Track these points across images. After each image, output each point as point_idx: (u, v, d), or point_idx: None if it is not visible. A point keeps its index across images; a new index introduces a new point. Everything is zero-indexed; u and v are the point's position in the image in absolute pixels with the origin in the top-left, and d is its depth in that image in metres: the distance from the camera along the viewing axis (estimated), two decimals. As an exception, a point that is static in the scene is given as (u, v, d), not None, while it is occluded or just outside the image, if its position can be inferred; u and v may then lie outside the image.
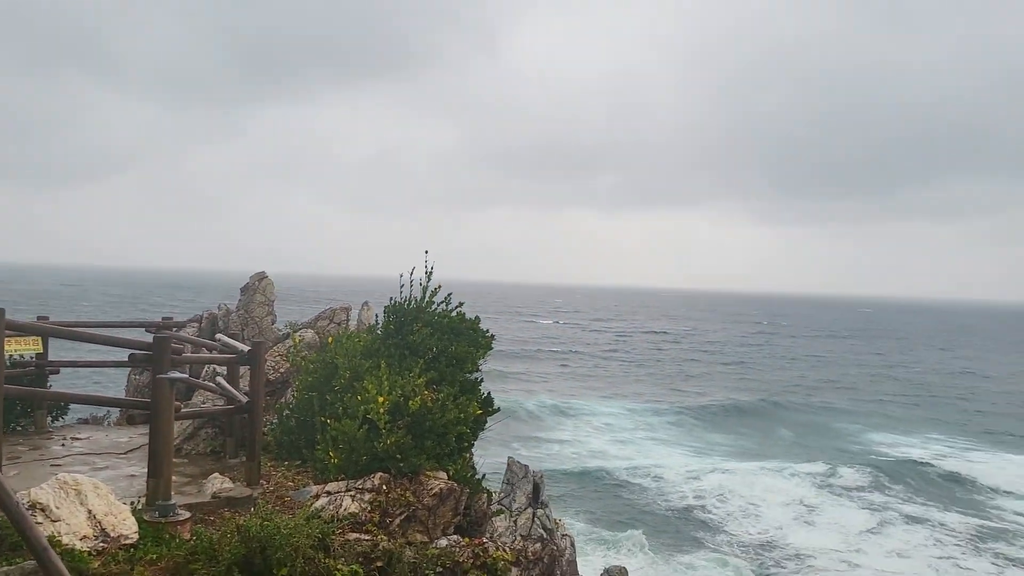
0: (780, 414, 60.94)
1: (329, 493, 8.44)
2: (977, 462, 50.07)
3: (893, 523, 35.05)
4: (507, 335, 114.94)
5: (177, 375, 8.10)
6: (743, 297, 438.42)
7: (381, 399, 8.62)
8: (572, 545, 23.02)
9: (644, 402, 64.36)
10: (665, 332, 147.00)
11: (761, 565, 29.77)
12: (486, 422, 10.40)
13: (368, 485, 8.52)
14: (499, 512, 10.67)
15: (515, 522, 19.76)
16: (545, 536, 19.34)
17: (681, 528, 32.43)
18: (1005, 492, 39.87)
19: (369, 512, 8.36)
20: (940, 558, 31.21)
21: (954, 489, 39.30)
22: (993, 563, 31.22)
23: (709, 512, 34.65)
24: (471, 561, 7.83)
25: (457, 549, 8.00)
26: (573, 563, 23.09)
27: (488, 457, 31.78)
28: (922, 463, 48.97)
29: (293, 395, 10.67)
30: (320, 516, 7.72)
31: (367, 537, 7.97)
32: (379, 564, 7.59)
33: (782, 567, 29.57)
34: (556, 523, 22.01)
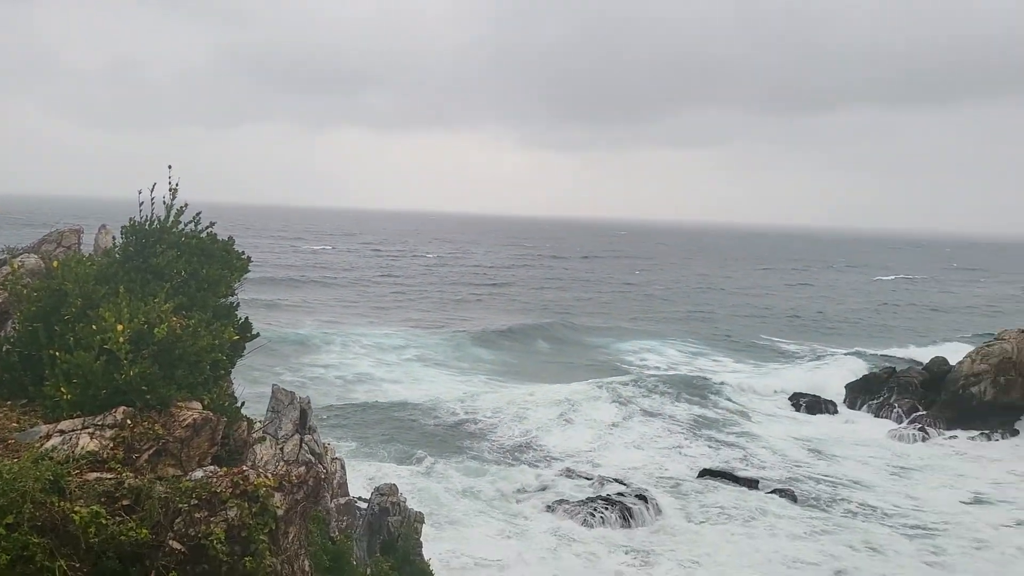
0: (544, 332, 64.62)
1: (62, 432, 7.66)
2: (707, 364, 56.87)
3: (634, 417, 39.04)
4: (273, 261, 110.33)
5: None
6: (512, 221, 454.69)
7: (120, 327, 7.89)
8: (342, 468, 23.11)
9: (413, 326, 65.27)
10: (435, 256, 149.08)
11: (515, 461, 31.94)
12: (244, 348, 9.94)
13: (109, 421, 7.83)
14: (261, 440, 10.36)
15: (282, 449, 19.37)
16: (312, 460, 19.13)
17: (448, 440, 33.76)
18: (723, 386, 45.67)
19: (112, 449, 7.70)
20: (668, 448, 35.44)
21: (685, 387, 44.30)
22: (708, 446, 36.12)
23: (475, 424, 36.34)
24: (230, 491, 7.50)
25: (215, 479, 7.62)
26: (344, 485, 23.24)
27: (253, 385, 30.65)
28: (664, 368, 54.65)
29: (14, 327, 9.47)
30: (52, 457, 7.00)
31: (110, 476, 7.34)
32: (125, 503, 7.04)
33: (535, 465, 31.95)
34: (325, 447, 21.90)
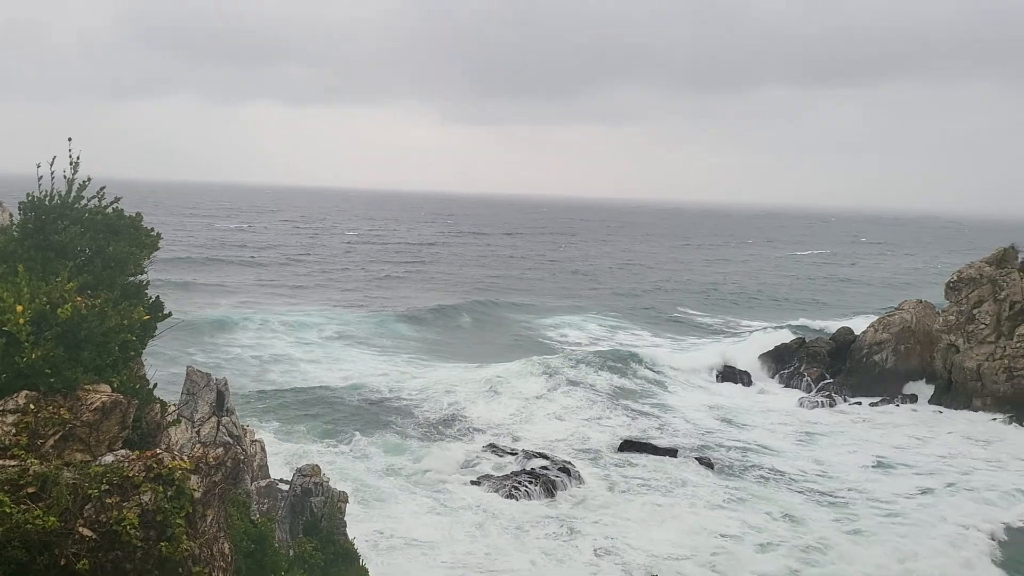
0: (467, 309, 64.61)
1: (-41, 420, 7.25)
2: (627, 337, 58.03)
3: (557, 390, 39.60)
4: (186, 240, 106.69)
5: None
6: (435, 197, 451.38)
7: (20, 308, 7.50)
8: (263, 450, 22.70)
9: (334, 305, 64.30)
10: (356, 233, 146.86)
11: (440, 438, 32.01)
12: (156, 328, 9.58)
13: (11, 406, 7.46)
14: (176, 422, 10.04)
15: (198, 432, 18.86)
16: (231, 442, 18.69)
17: (371, 419, 33.50)
18: (642, 359, 46.70)
19: (15, 435, 7.35)
20: (590, 419, 36.12)
21: (605, 361, 45.08)
22: (629, 417, 37.02)
23: (399, 402, 36.17)
24: (144, 474, 7.27)
25: (126, 464, 7.37)
26: (265, 467, 22.82)
27: (166, 367, 29.66)
28: (585, 342, 55.50)
29: (-98, 311, 8.89)
30: (-53, 447, 6.64)
31: (13, 463, 7.02)
32: (31, 490, 6.74)
33: (460, 440, 32.12)
34: (244, 429, 21.46)
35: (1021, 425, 37.51)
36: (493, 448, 30.86)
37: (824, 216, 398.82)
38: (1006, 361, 39.74)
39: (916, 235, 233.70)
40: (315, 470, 18.99)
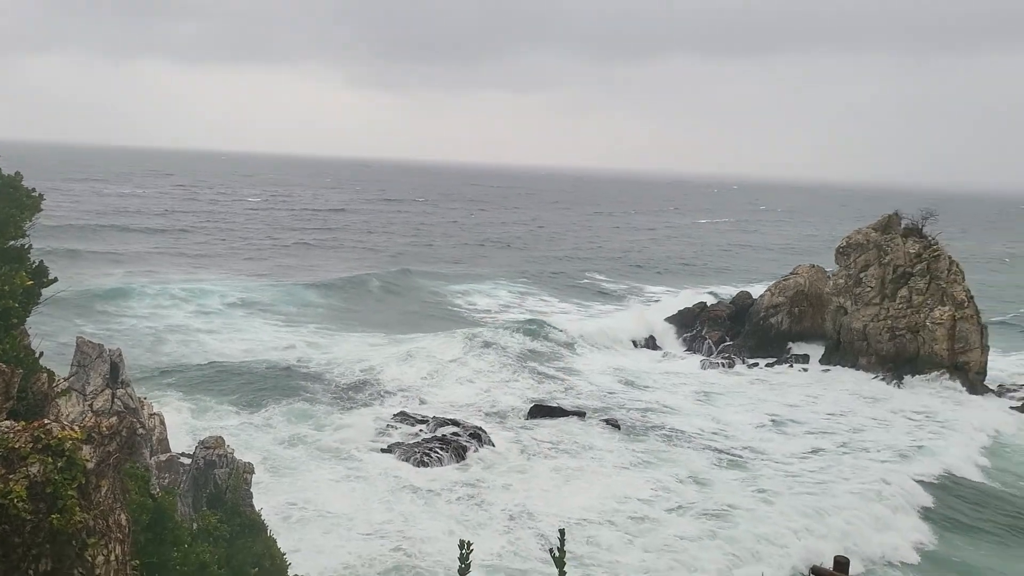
0: (376, 277, 63.72)
1: None
2: (536, 303, 58.64)
3: (469, 355, 39.75)
4: (73, 206, 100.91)
5: None
6: (340, 163, 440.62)
7: None
8: (162, 423, 21.91)
9: (236, 274, 62.32)
10: (259, 200, 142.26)
11: (351, 405, 31.69)
12: (40, 295, 9.05)
13: None
14: (66, 394, 9.56)
15: (91, 405, 18.03)
16: (125, 412, 17.95)
17: (278, 388, 32.77)
18: (550, 324, 47.33)
19: None
20: (500, 383, 36.50)
21: (515, 326, 45.48)
22: (537, 381, 37.60)
23: (306, 371, 35.50)
24: (31, 445, 6.89)
25: (12, 435, 6.97)
26: (164, 441, 22.03)
27: (57, 336, 28.10)
28: (495, 309, 55.80)
29: None
30: None
31: None
32: (-99, 468, 6.31)
33: (369, 404, 31.91)
34: (141, 402, 20.66)
35: (902, 382, 40.04)
36: (404, 416, 30.75)
37: (727, 184, 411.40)
38: (889, 322, 42.20)
39: (812, 203, 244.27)
40: (218, 442, 18.46)
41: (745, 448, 30.14)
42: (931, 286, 41.58)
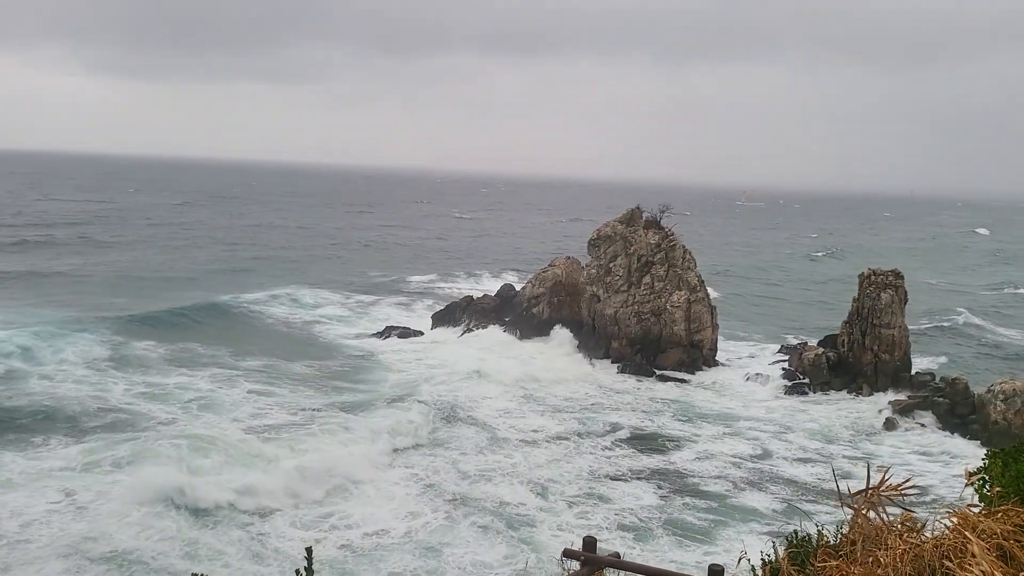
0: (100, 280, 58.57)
1: None
2: (306, 304, 57.10)
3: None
4: None
5: None
6: (82, 159, 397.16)
7: None
8: None
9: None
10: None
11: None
12: None
13: None
14: None
15: None
16: None
17: None
18: (322, 328, 46.43)
19: None
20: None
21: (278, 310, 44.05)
22: (306, 367, 36.81)
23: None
24: None
25: None
26: None
27: None
28: (284, 315, 53.57)
29: None
30: None
31: None
32: None
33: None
34: None
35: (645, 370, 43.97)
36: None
37: (493, 181, 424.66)
38: (636, 307, 46.04)
39: (579, 198, 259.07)
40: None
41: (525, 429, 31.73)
42: (669, 273, 45.92)
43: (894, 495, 5.67)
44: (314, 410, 31.95)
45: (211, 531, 21.49)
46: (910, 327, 42.26)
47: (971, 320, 60.31)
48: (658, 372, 42.65)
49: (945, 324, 58.06)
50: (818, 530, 6.84)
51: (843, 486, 6.01)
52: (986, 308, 67.78)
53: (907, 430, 34.64)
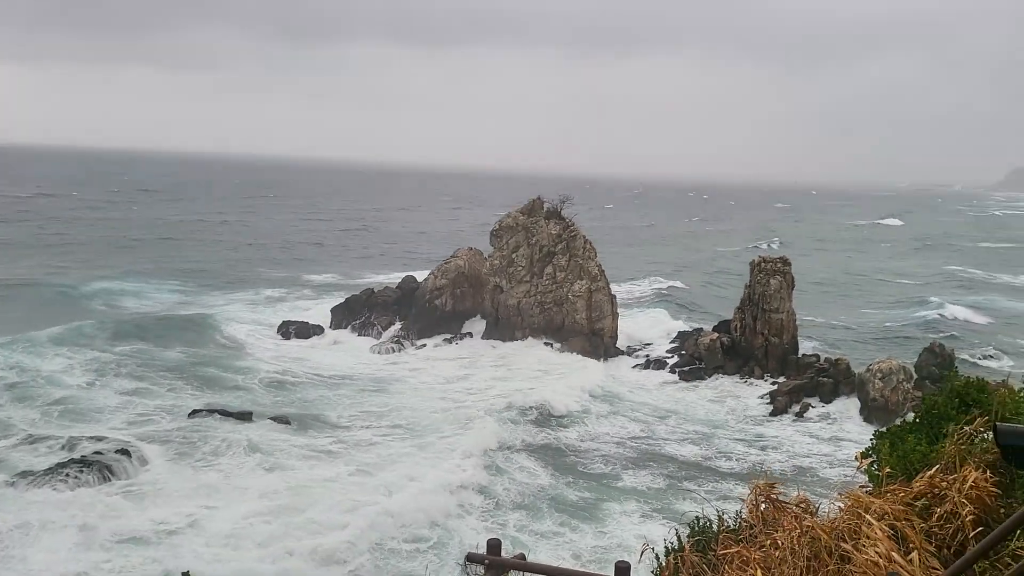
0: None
1: None
2: (194, 300, 54.87)
3: (112, 369, 35.78)
4: None
5: None
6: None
7: None
8: None
9: None
10: None
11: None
12: None
13: None
14: None
15: None
16: None
17: None
18: (212, 322, 44.64)
19: None
20: (159, 393, 33.65)
21: (174, 328, 42.13)
22: (202, 384, 35.08)
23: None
24: None
25: None
26: None
27: None
28: (148, 308, 51.11)
29: None
30: None
31: None
32: None
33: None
34: None
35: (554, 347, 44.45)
36: (31, 439, 26.92)
37: (397, 172, 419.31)
38: (539, 297, 46.41)
39: (481, 189, 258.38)
40: None
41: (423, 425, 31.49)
42: (571, 263, 46.48)
43: (784, 478, 5.82)
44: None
45: None
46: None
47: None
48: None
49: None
50: (718, 515, 6.96)
51: (730, 466, 6.12)
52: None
53: (794, 413, 36.31)
